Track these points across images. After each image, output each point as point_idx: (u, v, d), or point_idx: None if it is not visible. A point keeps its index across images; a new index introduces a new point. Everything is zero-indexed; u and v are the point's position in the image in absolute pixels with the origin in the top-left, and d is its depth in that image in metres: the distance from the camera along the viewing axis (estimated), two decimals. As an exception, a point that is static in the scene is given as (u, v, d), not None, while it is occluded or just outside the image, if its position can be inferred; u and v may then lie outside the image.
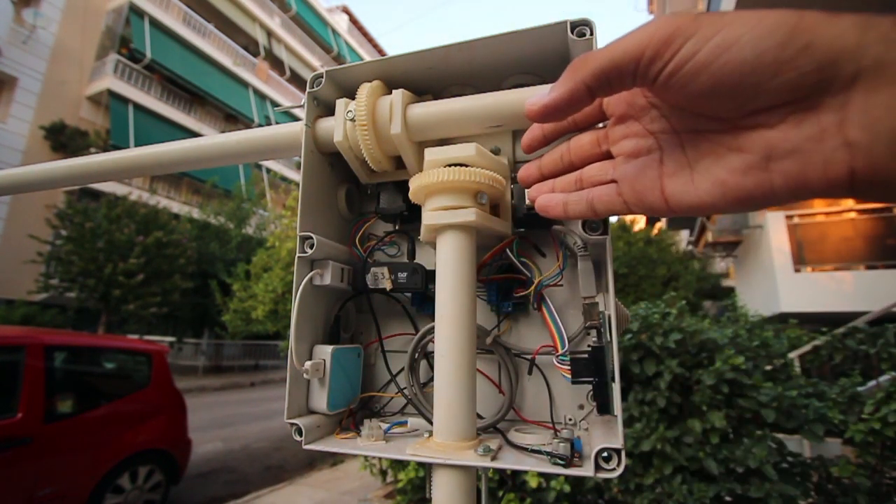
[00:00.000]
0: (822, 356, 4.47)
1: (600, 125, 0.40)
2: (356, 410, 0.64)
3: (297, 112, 0.66)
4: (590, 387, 0.57)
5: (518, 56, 0.57)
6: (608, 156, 0.38)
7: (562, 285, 0.60)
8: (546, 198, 0.39)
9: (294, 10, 19.94)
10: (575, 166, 0.40)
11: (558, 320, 0.57)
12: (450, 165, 0.51)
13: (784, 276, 6.91)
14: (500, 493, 2.24)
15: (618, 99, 0.36)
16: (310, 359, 0.59)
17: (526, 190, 0.41)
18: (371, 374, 0.69)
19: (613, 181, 0.36)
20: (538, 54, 0.56)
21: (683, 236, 14.99)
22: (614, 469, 0.41)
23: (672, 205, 0.31)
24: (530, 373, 0.61)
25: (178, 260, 10.89)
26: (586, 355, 0.51)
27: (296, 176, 16.70)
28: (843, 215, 7.10)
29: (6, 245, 10.55)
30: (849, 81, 0.22)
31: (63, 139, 11.81)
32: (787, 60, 0.23)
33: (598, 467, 0.42)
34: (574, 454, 0.46)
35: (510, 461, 0.48)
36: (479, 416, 0.59)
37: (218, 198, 14.52)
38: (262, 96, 17.89)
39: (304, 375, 0.56)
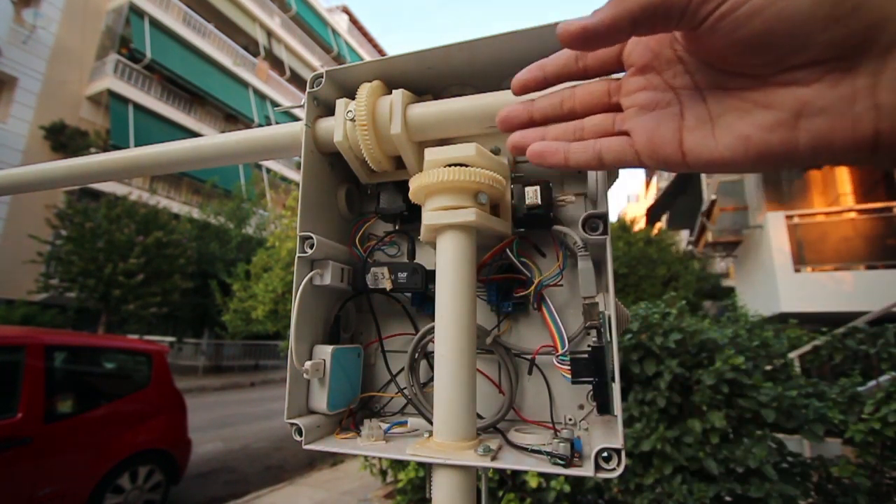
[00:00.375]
0: (822, 356, 4.47)
1: (613, 76, 0.37)
2: (356, 410, 0.64)
3: (297, 112, 0.66)
4: (590, 387, 0.57)
5: (518, 56, 0.57)
6: (615, 108, 0.36)
7: (562, 285, 0.60)
8: (542, 144, 0.35)
9: (294, 10, 19.93)
10: (576, 115, 0.37)
11: (558, 320, 0.57)
12: (450, 165, 0.51)
13: (784, 276, 6.91)
14: (500, 493, 2.24)
15: (643, 48, 0.33)
16: (310, 359, 0.59)
17: (509, 136, 0.37)
18: (371, 374, 0.69)
19: (624, 133, 0.34)
20: (538, 54, 0.56)
21: (683, 236, 14.99)
22: (614, 469, 0.41)
23: (690, 159, 0.30)
24: (530, 373, 0.61)
25: (178, 260, 10.89)
26: (586, 355, 0.51)
27: (296, 176, 16.69)
28: (843, 215, 7.10)
29: (6, 245, 10.55)
30: (887, 47, 0.23)
31: (63, 139, 11.81)
32: (840, 17, 0.23)
33: (598, 467, 0.42)
34: (574, 454, 0.46)
35: (510, 461, 0.48)
36: (479, 416, 0.59)
37: (218, 198, 14.52)
38: (262, 96, 17.89)
39: (304, 375, 0.56)
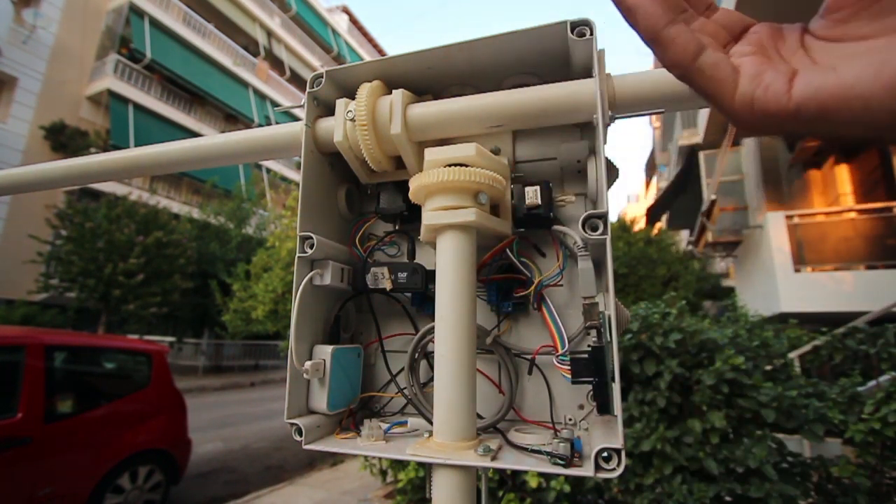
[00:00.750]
0: (822, 356, 4.47)
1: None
2: (356, 410, 0.64)
3: (297, 112, 0.66)
4: (590, 387, 0.57)
5: (518, 56, 0.57)
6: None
7: (562, 285, 0.60)
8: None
9: (294, 10, 19.94)
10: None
11: (558, 320, 0.57)
12: (450, 165, 0.51)
13: (784, 275, 6.91)
14: (500, 493, 2.24)
15: (772, 28, 0.29)
16: (310, 359, 0.59)
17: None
18: (371, 374, 0.69)
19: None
20: (538, 54, 0.56)
21: (683, 236, 14.99)
22: (614, 469, 0.41)
23: (796, 89, 0.24)
24: (530, 373, 0.61)
25: (178, 260, 10.90)
26: (586, 355, 0.51)
27: (296, 176, 16.69)
28: (843, 215, 7.10)
29: (6, 245, 10.55)
30: None
31: (63, 139, 11.81)
32: None
33: (598, 467, 0.42)
34: (574, 454, 0.46)
35: (510, 461, 0.48)
36: (479, 416, 0.59)
37: (218, 198, 14.52)
38: (262, 96, 17.89)
39: (304, 375, 0.56)
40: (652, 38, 0.27)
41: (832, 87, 0.23)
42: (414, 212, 0.62)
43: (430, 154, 0.53)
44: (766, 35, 0.29)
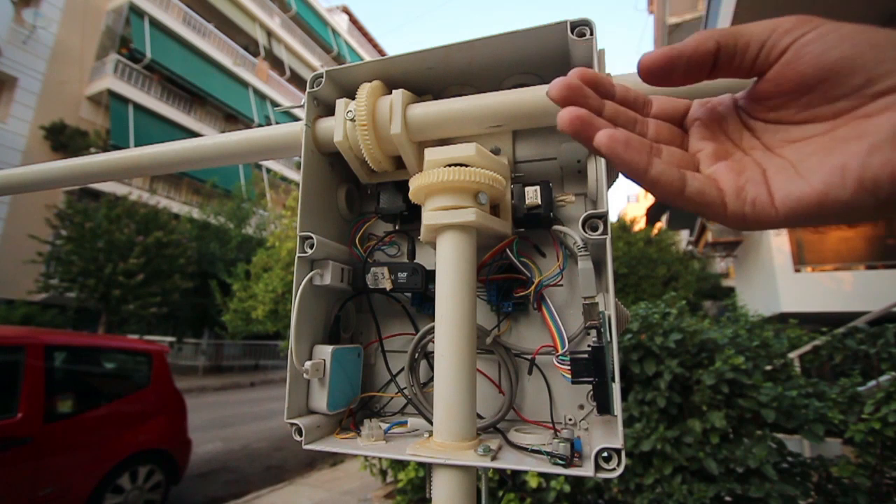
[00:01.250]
0: (822, 356, 4.46)
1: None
2: (356, 410, 0.64)
3: (297, 112, 0.66)
4: (590, 387, 0.57)
5: (518, 56, 0.57)
6: (684, 147, 0.33)
7: (562, 285, 0.60)
8: (624, 134, 0.28)
9: (294, 10, 19.94)
10: (643, 135, 0.33)
11: (558, 320, 0.57)
12: (450, 165, 0.51)
13: (784, 275, 6.91)
14: (500, 493, 2.24)
15: (707, 110, 0.33)
16: (310, 359, 0.59)
17: (561, 110, 0.29)
18: (371, 374, 0.69)
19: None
20: (538, 54, 0.56)
21: (683, 236, 14.99)
22: (614, 469, 0.41)
23: (779, 201, 0.27)
24: (530, 373, 0.61)
25: (178, 260, 10.90)
26: (586, 355, 0.51)
27: (296, 176, 16.69)
28: (843, 215, 7.10)
29: (6, 245, 10.55)
30: None
31: (63, 139, 11.81)
32: None
33: (598, 467, 0.42)
34: (574, 454, 0.46)
35: (510, 461, 0.48)
36: (479, 416, 0.59)
37: (218, 198, 14.52)
38: (262, 96, 17.89)
39: (304, 375, 0.56)
40: (639, 182, 0.29)
41: (809, 197, 0.26)
42: (414, 212, 0.62)
43: (430, 154, 0.53)
44: (707, 122, 0.33)
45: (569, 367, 0.52)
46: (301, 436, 0.54)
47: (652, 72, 0.29)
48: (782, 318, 6.60)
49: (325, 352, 0.59)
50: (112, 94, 12.89)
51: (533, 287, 0.58)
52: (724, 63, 0.29)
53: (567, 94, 0.30)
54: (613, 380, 0.46)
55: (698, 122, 0.33)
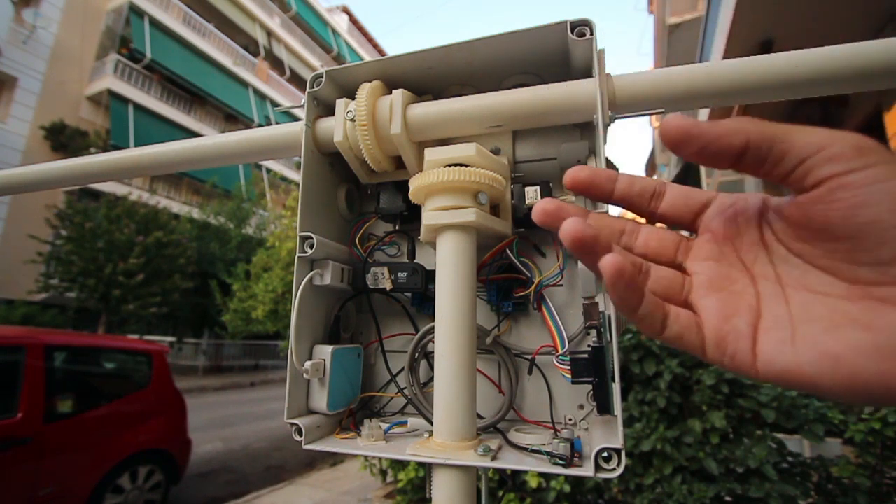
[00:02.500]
0: (822, 356, 4.47)
1: (685, 233, 0.32)
2: (356, 410, 0.64)
3: (297, 112, 0.66)
4: (590, 387, 0.57)
5: (518, 56, 0.57)
6: (677, 268, 0.30)
7: (562, 285, 0.60)
8: (623, 261, 0.25)
9: (294, 10, 19.94)
10: (632, 252, 0.31)
11: (558, 320, 0.57)
12: (450, 165, 0.51)
13: (784, 276, 6.93)
14: (500, 493, 2.24)
15: (726, 219, 0.29)
16: (310, 359, 0.59)
17: (544, 209, 0.29)
18: (371, 374, 0.69)
19: (689, 308, 0.28)
20: (538, 54, 0.56)
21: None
22: (614, 469, 0.41)
23: (761, 364, 0.25)
24: (530, 373, 0.61)
25: (178, 260, 10.90)
26: (586, 355, 0.51)
27: (296, 176, 16.69)
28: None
29: (6, 245, 10.55)
30: None
31: (63, 139, 11.81)
32: None
33: (598, 467, 0.42)
34: (574, 454, 0.46)
35: (510, 461, 0.48)
36: (479, 416, 0.59)
37: (218, 198, 14.52)
38: (262, 96, 17.89)
39: (304, 375, 0.56)
40: (629, 317, 0.27)
41: (793, 375, 0.24)
42: (414, 212, 0.62)
43: (430, 154, 0.53)
44: (721, 237, 0.29)
45: (569, 367, 0.52)
46: (301, 436, 0.54)
47: (667, 139, 0.26)
48: (782, 318, 6.61)
49: (325, 352, 0.59)
50: (112, 94, 12.89)
51: (533, 287, 0.58)
52: (752, 165, 0.25)
53: (545, 220, 0.29)
54: (613, 380, 0.46)
55: (709, 236, 0.29)
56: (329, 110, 0.63)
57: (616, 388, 0.45)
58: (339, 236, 0.67)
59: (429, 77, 0.61)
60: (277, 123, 0.77)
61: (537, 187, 0.56)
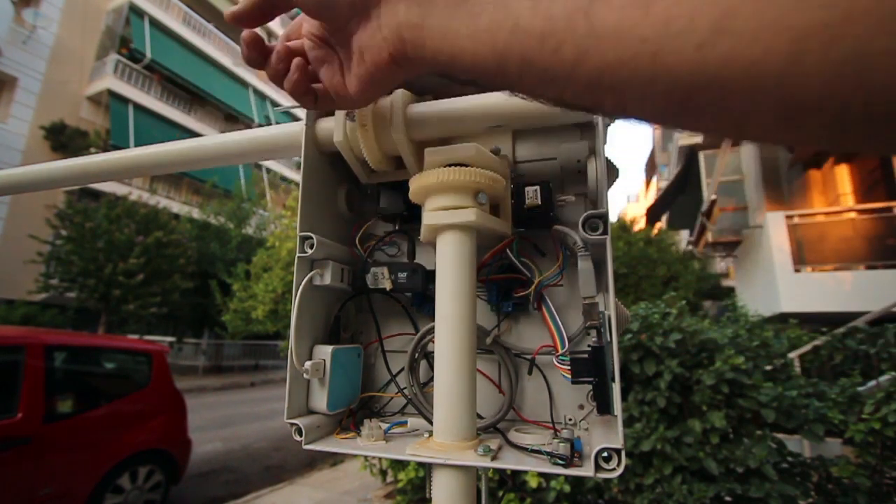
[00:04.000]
0: (822, 356, 4.46)
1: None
2: (356, 410, 0.64)
3: (298, 112, 0.66)
4: (590, 387, 0.56)
5: (518, 56, 0.57)
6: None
7: (562, 285, 0.60)
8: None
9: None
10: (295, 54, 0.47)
11: (558, 320, 0.57)
12: (450, 165, 0.51)
13: (784, 275, 6.91)
14: (500, 493, 2.24)
15: (309, 25, 0.46)
16: (310, 359, 0.59)
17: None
18: (371, 374, 0.69)
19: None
20: (538, 54, 0.56)
21: (683, 236, 14.99)
22: (614, 469, 0.41)
23: (353, 92, 0.41)
24: (530, 373, 0.61)
25: (178, 260, 10.90)
26: (586, 355, 0.51)
27: (296, 176, 16.69)
28: (842, 215, 7.10)
29: (6, 245, 10.56)
30: (377, 4, 0.35)
31: (63, 139, 11.82)
32: None
33: (598, 467, 0.42)
34: (574, 454, 0.46)
35: (510, 461, 0.48)
36: (479, 416, 0.59)
37: (218, 198, 14.52)
38: (262, 96, 17.90)
39: (304, 375, 0.56)
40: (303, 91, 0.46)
41: (346, 93, 0.42)
42: (414, 212, 0.62)
43: (430, 154, 0.53)
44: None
45: (569, 367, 0.52)
46: (301, 436, 0.54)
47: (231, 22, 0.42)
48: (782, 318, 6.60)
49: (325, 352, 0.59)
50: (112, 94, 12.89)
51: (533, 287, 0.58)
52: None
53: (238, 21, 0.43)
54: (613, 380, 0.46)
55: (311, 35, 0.45)
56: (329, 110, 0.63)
57: (616, 388, 0.45)
58: (339, 236, 0.67)
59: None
60: (277, 123, 0.77)
61: (537, 187, 0.56)
